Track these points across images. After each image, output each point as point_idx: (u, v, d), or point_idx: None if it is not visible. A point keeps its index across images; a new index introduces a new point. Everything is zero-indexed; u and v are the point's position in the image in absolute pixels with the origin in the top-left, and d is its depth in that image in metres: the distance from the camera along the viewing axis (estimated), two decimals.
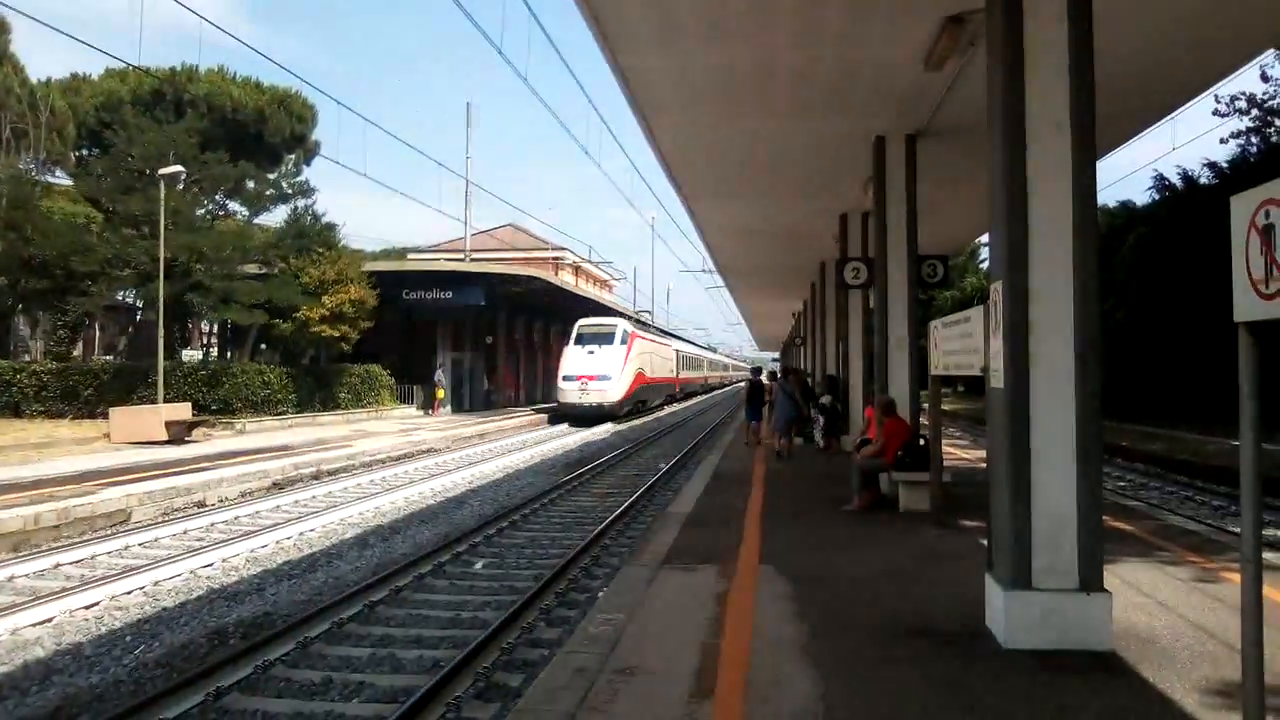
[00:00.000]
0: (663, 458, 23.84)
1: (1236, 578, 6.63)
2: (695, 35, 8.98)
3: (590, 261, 79.28)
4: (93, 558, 11.40)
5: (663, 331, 64.48)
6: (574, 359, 37.61)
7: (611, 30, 8.92)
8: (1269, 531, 12.24)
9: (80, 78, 37.91)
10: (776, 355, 77.19)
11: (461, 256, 45.69)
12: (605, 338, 38.53)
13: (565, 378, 37.22)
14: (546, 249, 68.73)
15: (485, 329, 45.31)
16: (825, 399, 19.16)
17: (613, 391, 36.53)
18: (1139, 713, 4.56)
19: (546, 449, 26.76)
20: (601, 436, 31.86)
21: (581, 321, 40.12)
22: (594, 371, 36.60)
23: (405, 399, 39.54)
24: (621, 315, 46.23)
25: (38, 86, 33.91)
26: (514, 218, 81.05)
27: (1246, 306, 3.26)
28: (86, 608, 9.08)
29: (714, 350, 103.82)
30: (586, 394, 36.24)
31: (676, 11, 8.45)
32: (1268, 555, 8.00)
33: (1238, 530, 10.54)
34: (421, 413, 38.88)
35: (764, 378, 22.97)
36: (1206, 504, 15.02)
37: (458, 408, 41.50)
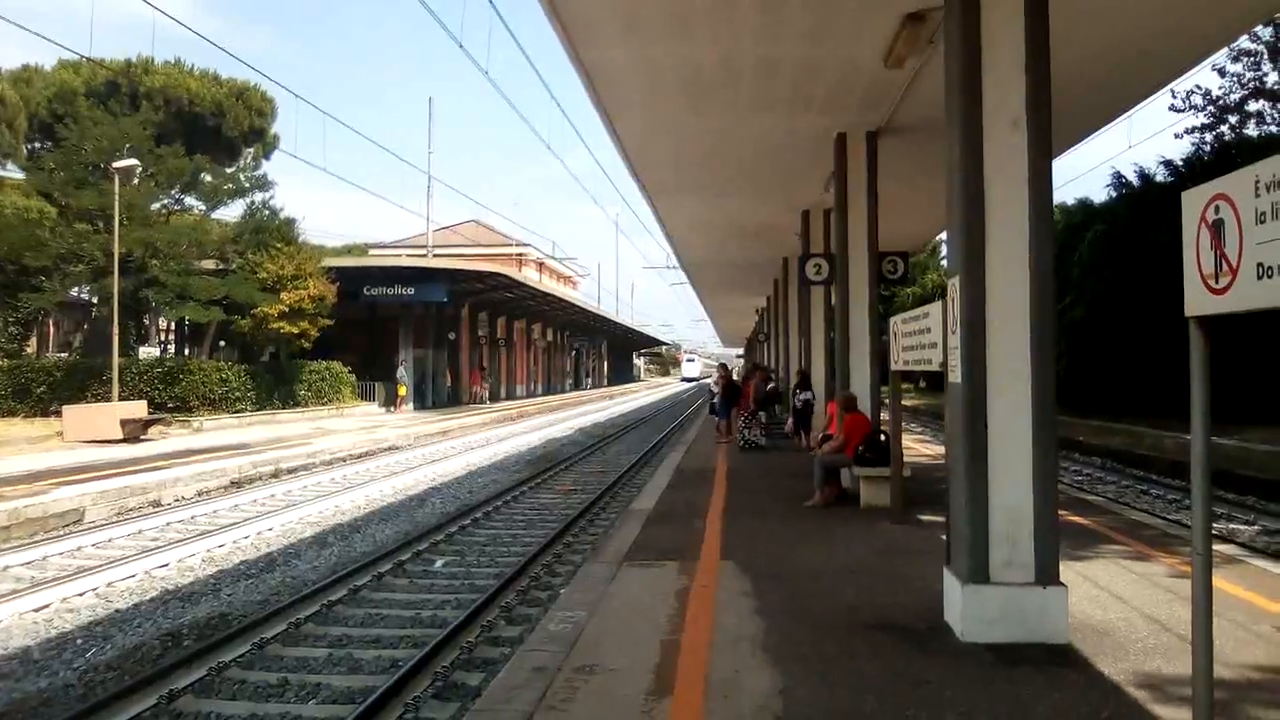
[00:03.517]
0: (626, 454, 23.84)
1: (1189, 570, 6.73)
2: (658, 30, 8.95)
3: (554, 258, 79.02)
4: (44, 559, 11.16)
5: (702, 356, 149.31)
6: (685, 363, 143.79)
7: (573, 25, 8.87)
8: (1220, 524, 12.47)
9: (32, 68, 36.95)
10: (741, 352, 77.63)
11: (424, 252, 45.35)
12: (691, 357, 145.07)
13: (684, 368, 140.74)
14: (510, 245, 68.33)
15: (448, 326, 45.02)
16: (805, 395, 18.52)
17: (696, 373, 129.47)
18: (1094, 704, 4.61)
19: (510, 446, 26.63)
20: (567, 434, 31.84)
21: (686, 353, 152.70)
22: (691, 368, 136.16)
23: (367, 396, 39.16)
24: (695, 351, 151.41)
25: None
26: (477, 214, 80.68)
27: (1197, 301, 3.28)
28: (36, 610, 8.88)
29: (707, 357, 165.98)
30: (688, 373, 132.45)
31: (639, 6, 8.42)
32: (1219, 547, 8.14)
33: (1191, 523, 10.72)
34: (384, 410, 38.54)
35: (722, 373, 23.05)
36: (1162, 497, 15.29)
37: (420, 405, 41.22)
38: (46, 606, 9.01)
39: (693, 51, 9.56)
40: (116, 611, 8.95)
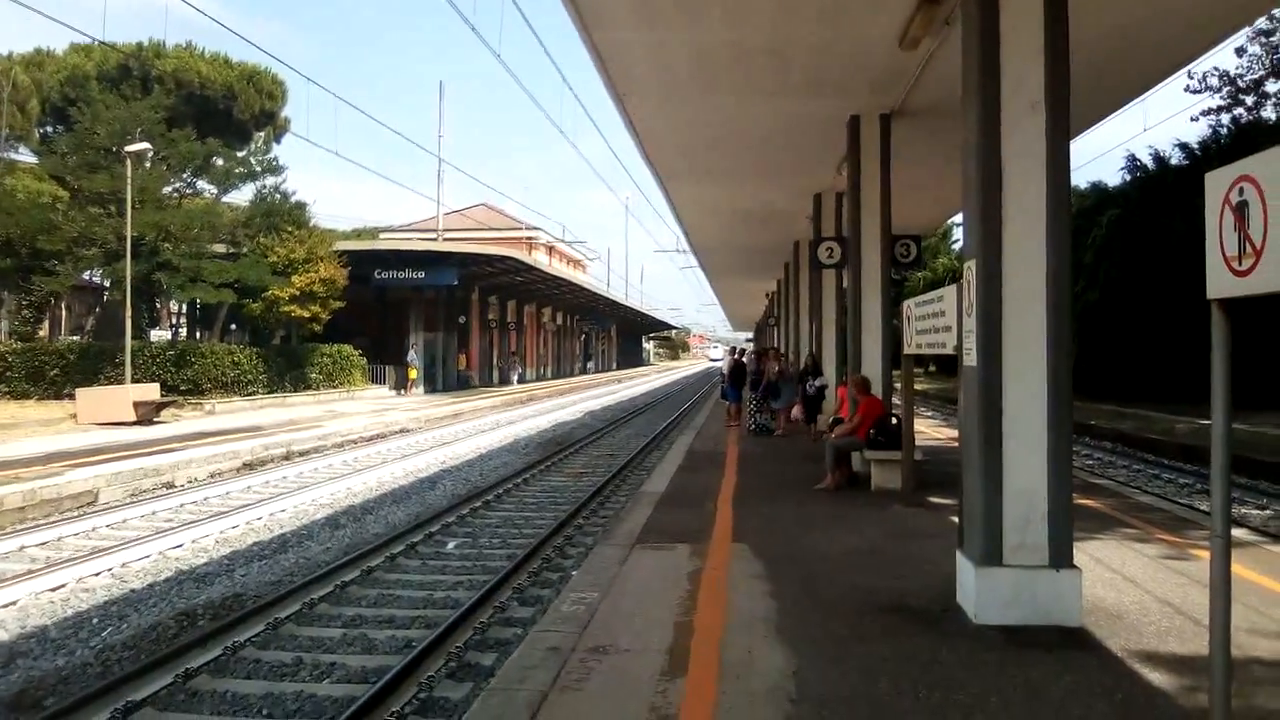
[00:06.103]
0: (636, 437, 23.87)
1: (1202, 554, 6.71)
2: (671, 12, 8.89)
3: (564, 241, 78.92)
4: (59, 539, 11.25)
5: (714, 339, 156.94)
6: (712, 349, 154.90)
7: (586, 7, 8.82)
8: (1233, 509, 12.42)
9: (44, 52, 37.00)
10: (750, 335, 77.65)
11: (434, 236, 45.37)
12: (716, 345, 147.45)
13: (711, 353, 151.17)
14: (520, 229, 68.22)
15: (458, 309, 45.07)
16: (819, 381, 17.36)
17: (720, 355, 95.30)
18: (1108, 687, 4.61)
19: (520, 429, 26.68)
20: (576, 417, 31.91)
21: (714, 342, 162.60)
22: (716, 352, 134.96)
23: (377, 379, 39.29)
24: (723, 343, 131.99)
25: None
26: (488, 198, 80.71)
27: (1219, 283, 3.25)
28: (52, 590, 8.96)
29: (718, 341, 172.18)
30: (714, 356, 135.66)
31: None
32: (1235, 532, 8.12)
33: (1204, 508, 10.69)
34: (394, 393, 38.66)
35: (731, 356, 23.05)
36: (1174, 481, 15.22)
37: (430, 388, 41.30)
38: (63, 586, 9.09)
39: (704, 33, 9.49)
40: (132, 591, 9.02)
